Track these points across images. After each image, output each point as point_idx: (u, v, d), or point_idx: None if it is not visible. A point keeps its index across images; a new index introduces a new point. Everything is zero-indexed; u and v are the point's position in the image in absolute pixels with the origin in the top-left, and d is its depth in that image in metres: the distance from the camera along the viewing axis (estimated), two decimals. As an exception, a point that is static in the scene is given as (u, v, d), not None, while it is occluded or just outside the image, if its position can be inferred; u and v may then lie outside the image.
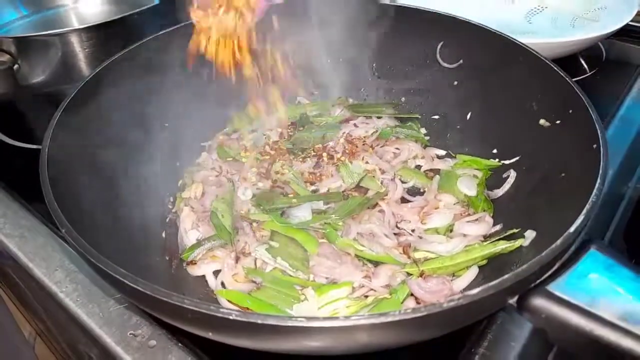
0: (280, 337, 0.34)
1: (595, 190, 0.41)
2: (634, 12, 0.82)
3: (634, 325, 0.31)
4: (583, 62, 0.91)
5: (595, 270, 0.36)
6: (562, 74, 0.54)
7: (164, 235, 0.57)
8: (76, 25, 0.98)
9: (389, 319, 0.32)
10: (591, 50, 0.91)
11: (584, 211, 0.39)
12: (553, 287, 0.35)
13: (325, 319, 0.32)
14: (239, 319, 0.32)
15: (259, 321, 0.32)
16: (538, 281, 0.36)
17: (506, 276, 0.34)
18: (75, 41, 0.72)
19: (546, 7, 0.97)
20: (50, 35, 0.70)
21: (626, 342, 0.31)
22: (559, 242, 0.37)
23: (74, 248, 0.38)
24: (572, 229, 0.38)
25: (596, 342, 0.32)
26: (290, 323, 0.32)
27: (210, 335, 0.37)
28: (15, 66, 0.70)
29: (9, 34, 0.94)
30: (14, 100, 0.70)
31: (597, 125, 0.47)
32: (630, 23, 0.83)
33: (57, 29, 0.93)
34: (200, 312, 0.33)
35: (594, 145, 0.46)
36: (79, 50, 0.73)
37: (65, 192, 0.45)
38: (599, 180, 0.42)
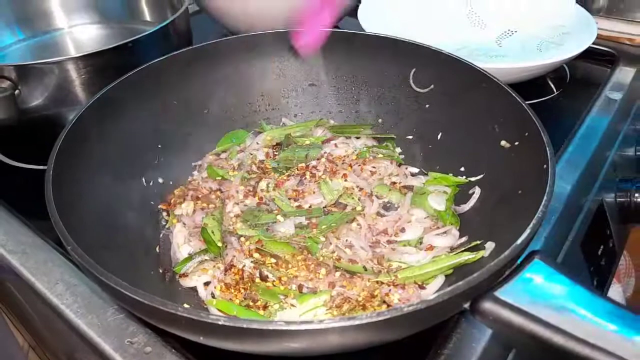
0: (264, 339, 0.38)
1: (541, 207, 0.46)
2: (594, 37, 0.89)
3: (566, 324, 0.37)
4: (550, 82, 0.98)
5: (537, 278, 0.41)
6: (518, 98, 0.60)
7: (157, 250, 0.61)
8: (72, 50, 1.04)
9: (357, 322, 0.37)
10: (557, 72, 0.98)
11: (530, 225, 0.44)
12: (500, 293, 0.40)
13: (301, 322, 0.37)
14: (226, 324, 0.37)
15: (244, 325, 0.37)
16: (489, 287, 0.41)
17: (459, 283, 0.39)
18: (72, 68, 0.76)
19: (515, 32, 1.04)
20: (49, 63, 0.74)
21: (557, 339, 0.36)
22: (507, 253, 0.42)
23: (79, 263, 0.43)
24: (518, 241, 0.43)
25: (535, 339, 0.37)
26: (271, 327, 0.37)
27: (201, 339, 0.41)
28: (16, 91, 0.74)
29: (6, 58, 0.99)
30: (15, 124, 0.74)
31: (547, 148, 0.53)
32: (591, 46, 0.90)
33: (54, 53, 0.98)
34: (192, 319, 0.37)
35: (544, 166, 0.51)
36: (76, 76, 0.77)
37: (68, 211, 0.50)
38: (545, 198, 0.47)
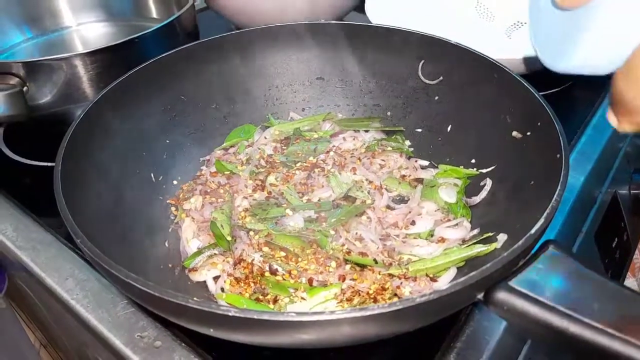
0: (275, 331, 0.38)
1: (555, 196, 0.45)
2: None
3: (582, 313, 0.36)
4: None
5: (551, 267, 0.40)
6: (530, 88, 0.59)
7: (166, 244, 0.61)
8: (80, 47, 1.04)
9: (368, 312, 0.36)
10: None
11: (544, 214, 0.44)
12: (514, 282, 0.39)
13: (313, 313, 0.36)
14: (237, 315, 0.36)
15: (255, 317, 0.36)
16: (503, 277, 0.41)
17: (473, 273, 0.39)
18: (80, 64, 0.76)
19: (525, 23, 1.03)
20: (57, 59, 0.74)
21: (574, 328, 0.35)
22: (520, 242, 0.41)
23: (88, 256, 0.43)
24: (532, 231, 0.42)
25: (550, 329, 0.36)
26: (282, 318, 0.36)
27: (211, 332, 0.41)
28: (25, 88, 0.75)
29: (15, 56, 0.99)
30: (24, 121, 0.74)
31: (560, 136, 0.52)
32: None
33: (62, 51, 0.98)
34: (203, 311, 0.37)
35: (557, 155, 0.51)
36: (84, 73, 0.77)
37: (77, 206, 0.50)
38: (559, 187, 0.46)
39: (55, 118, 0.80)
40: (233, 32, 0.75)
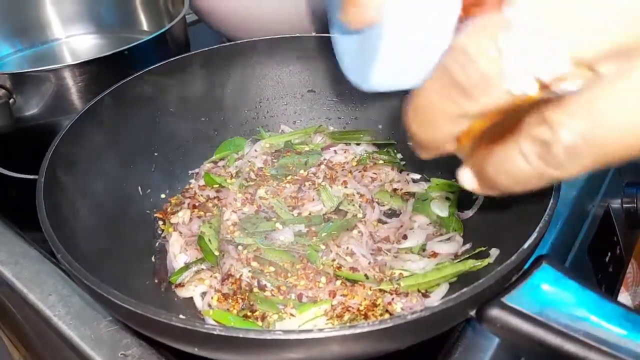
0: (261, 350, 0.37)
1: (548, 210, 0.45)
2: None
3: (577, 332, 0.35)
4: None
5: (546, 283, 0.39)
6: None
7: (153, 259, 0.60)
8: (69, 59, 1.03)
9: (358, 330, 0.35)
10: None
11: (537, 229, 0.43)
12: (507, 299, 0.38)
13: (300, 331, 0.35)
14: (222, 333, 0.35)
15: (240, 335, 0.35)
16: (496, 293, 0.40)
17: (465, 289, 0.38)
18: (68, 76, 0.75)
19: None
20: (44, 71, 0.73)
21: (568, 346, 0.34)
22: (513, 257, 0.40)
23: (69, 271, 0.41)
24: (525, 246, 0.41)
25: (545, 347, 0.35)
26: (268, 336, 0.35)
27: (196, 350, 0.39)
28: (11, 100, 0.73)
29: (4, 68, 0.98)
30: (10, 132, 0.73)
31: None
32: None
33: (51, 63, 0.97)
34: (187, 329, 0.36)
35: (550, 169, 0.50)
36: (72, 84, 0.76)
37: (60, 220, 0.49)
38: (551, 201, 0.46)
39: (43, 130, 0.79)
40: (223, 45, 0.75)
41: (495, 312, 0.38)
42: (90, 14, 1.06)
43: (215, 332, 0.35)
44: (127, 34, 1.06)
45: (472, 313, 0.39)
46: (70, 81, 0.76)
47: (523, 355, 0.52)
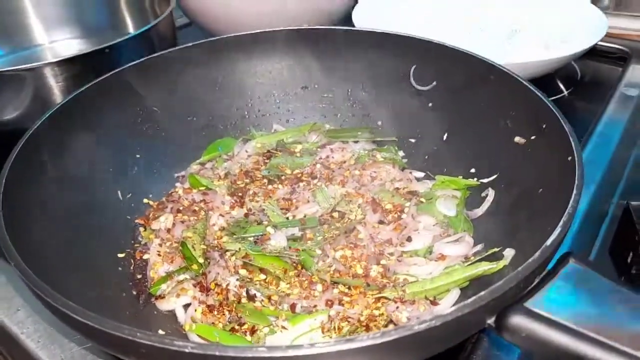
0: (242, 369, 0.31)
1: (572, 202, 0.40)
2: (602, 34, 0.84)
3: (616, 341, 0.29)
4: (559, 82, 0.92)
5: (575, 284, 0.34)
6: (533, 89, 0.53)
7: (131, 268, 0.54)
8: (50, 62, 0.99)
9: (357, 344, 0.29)
10: (566, 71, 0.93)
11: (561, 223, 0.38)
12: (532, 304, 0.33)
13: (288, 347, 0.29)
14: (195, 351, 0.30)
15: (217, 353, 0.30)
16: (517, 298, 0.34)
17: (482, 293, 0.32)
18: (49, 74, 0.71)
19: (521, 31, 0.99)
20: (24, 70, 0.69)
21: (602, 355, 0.29)
22: (536, 256, 0.35)
23: (21, 279, 0.36)
24: (548, 242, 0.36)
25: (574, 357, 0.30)
26: (250, 354, 0.29)
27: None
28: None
29: (-16, 73, 0.94)
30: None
31: (570, 137, 0.46)
32: (602, 44, 0.84)
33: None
34: (154, 346, 0.30)
35: (569, 158, 0.45)
36: (53, 84, 0.72)
37: (21, 226, 0.44)
38: (575, 191, 0.40)
39: (22, 133, 0.74)
40: (210, 39, 0.70)
41: (518, 320, 0.32)
42: (74, 18, 1.02)
43: (187, 350, 0.30)
44: (113, 38, 1.01)
45: (491, 321, 0.34)
46: (51, 80, 0.72)
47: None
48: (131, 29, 1.04)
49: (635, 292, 0.33)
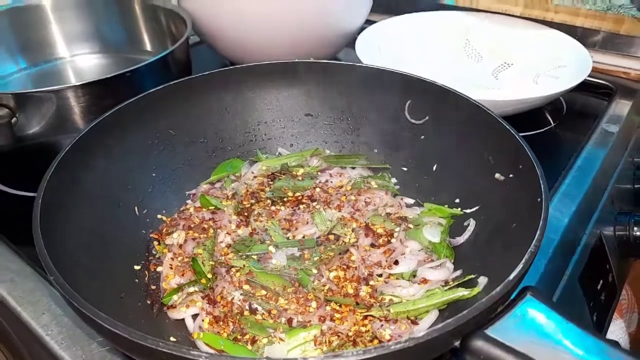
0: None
1: (534, 242, 0.45)
2: (589, 70, 0.90)
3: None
4: (547, 115, 0.98)
5: (530, 315, 0.40)
6: (511, 130, 0.59)
7: (147, 280, 0.60)
8: (73, 78, 1.05)
9: (341, 359, 0.35)
10: (554, 104, 0.99)
11: (522, 261, 0.43)
12: (491, 331, 0.39)
13: (285, 360, 0.36)
14: (207, 360, 0.36)
15: (226, 362, 0.36)
16: (480, 325, 0.40)
17: (449, 320, 0.38)
18: (71, 96, 0.77)
19: (512, 64, 1.05)
20: (48, 92, 0.74)
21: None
22: (498, 289, 0.41)
23: (60, 293, 0.42)
24: (511, 277, 0.42)
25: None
26: (253, 364, 0.36)
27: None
28: (13, 119, 0.75)
29: (8, 86, 1.00)
30: (10, 150, 0.74)
31: (540, 181, 0.52)
32: (589, 78, 0.90)
33: (54, 82, 0.99)
34: (173, 355, 0.36)
35: (538, 199, 0.51)
36: (74, 104, 0.77)
37: (55, 239, 0.49)
38: (538, 232, 0.46)
39: (44, 148, 0.80)
40: (223, 69, 0.76)
41: (479, 344, 0.38)
42: (94, 34, 1.08)
43: (201, 359, 0.36)
44: (130, 54, 1.08)
45: (457, 344, 0.40)
46: (73, 101, 0.77)
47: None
48: (148, 46, 1.10)
49: (580, 328, 0.38)
